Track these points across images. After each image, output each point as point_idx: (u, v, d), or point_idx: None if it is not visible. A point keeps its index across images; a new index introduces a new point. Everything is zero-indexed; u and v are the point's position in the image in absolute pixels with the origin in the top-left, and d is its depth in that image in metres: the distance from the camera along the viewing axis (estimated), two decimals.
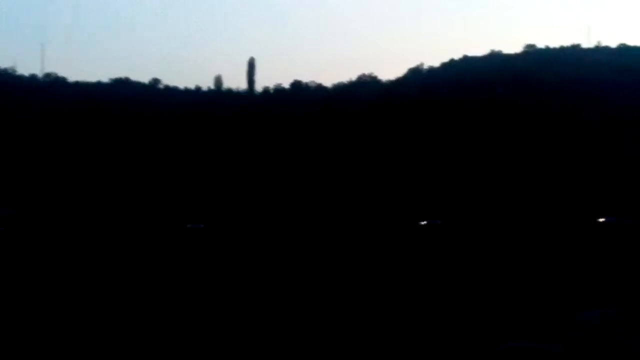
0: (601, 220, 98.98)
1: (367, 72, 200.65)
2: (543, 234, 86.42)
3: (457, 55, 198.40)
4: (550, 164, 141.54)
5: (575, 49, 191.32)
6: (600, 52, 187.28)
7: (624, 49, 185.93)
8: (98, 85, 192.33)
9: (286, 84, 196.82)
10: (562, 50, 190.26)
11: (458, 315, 39.19)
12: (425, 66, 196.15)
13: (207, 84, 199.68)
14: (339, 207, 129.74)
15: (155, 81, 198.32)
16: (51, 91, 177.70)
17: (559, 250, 67.98)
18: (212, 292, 50.23)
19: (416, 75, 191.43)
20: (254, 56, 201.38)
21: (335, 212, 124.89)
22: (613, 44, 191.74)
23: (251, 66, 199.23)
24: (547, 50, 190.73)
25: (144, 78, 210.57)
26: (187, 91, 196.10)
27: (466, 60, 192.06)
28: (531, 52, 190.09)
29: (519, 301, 42.32)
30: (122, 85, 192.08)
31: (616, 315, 34.57)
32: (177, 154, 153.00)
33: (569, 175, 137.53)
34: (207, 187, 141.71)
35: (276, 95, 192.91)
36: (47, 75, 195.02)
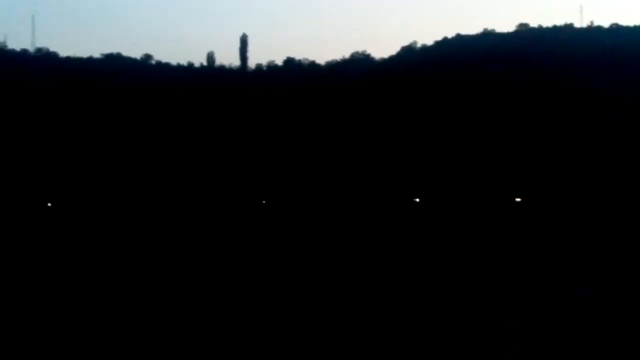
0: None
1: (360, 49, 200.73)
2: (534, 213, 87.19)
3: (450, 34, 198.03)
4: (542, 140, 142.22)
5: (567, 28, 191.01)
6: (592, 31, 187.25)
7: (616, 29, 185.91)
8: (90, 60, 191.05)
9: (279, 61, 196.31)
10: (555, 29, 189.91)
11: (453, 293, 39.74)
12: (419, 44, 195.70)
13: (199, 60, 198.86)
14: (329, 183, 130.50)
15: (147, 57, 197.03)
16: (42, 66, 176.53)
17: (552, 231, 68.59)
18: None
19: (409, 54, 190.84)
20: (247, 33, 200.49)
21: (325, 188, 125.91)
22: (605, 23, 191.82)
23: (244, 43, 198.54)
24: (540, 30, 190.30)
25: (136, 54, 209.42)
26: (179, 67, 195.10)
27: (459, 38, 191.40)
28: (524, 31, 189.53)
29: (512, 280, 42.91)
30: (113, 61, 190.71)
31: (604, 295, 35.18)
32: (169, 129, 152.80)
33: (558, 152, 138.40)
34: (199, 163, 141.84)
35: (269, 72, 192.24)
36: (38, 50, 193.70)
